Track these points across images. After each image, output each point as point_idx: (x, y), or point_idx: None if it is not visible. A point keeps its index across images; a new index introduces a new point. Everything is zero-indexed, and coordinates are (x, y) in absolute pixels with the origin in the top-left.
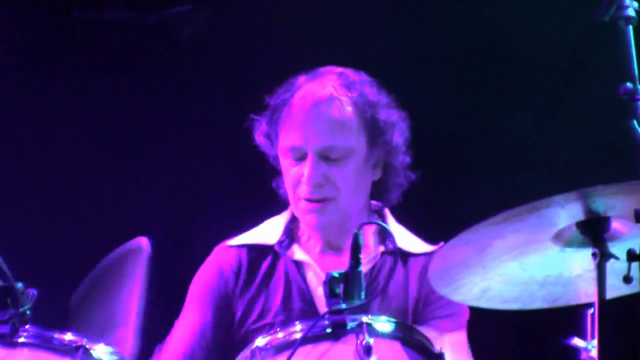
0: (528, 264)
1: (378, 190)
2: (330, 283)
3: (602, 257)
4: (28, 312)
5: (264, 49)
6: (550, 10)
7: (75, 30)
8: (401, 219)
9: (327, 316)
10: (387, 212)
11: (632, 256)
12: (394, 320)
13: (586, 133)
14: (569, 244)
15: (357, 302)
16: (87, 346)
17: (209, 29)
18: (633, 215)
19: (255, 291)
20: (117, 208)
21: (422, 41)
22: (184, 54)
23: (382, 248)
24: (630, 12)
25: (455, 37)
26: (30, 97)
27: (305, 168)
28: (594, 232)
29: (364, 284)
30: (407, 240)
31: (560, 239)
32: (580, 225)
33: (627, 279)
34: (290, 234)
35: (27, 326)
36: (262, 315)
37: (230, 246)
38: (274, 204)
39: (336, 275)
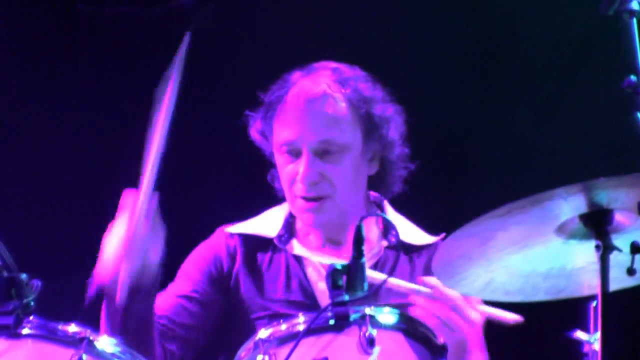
0: (531, 256)
1: (376, 183)
2: (332, 275)
3: (605, 249)
4: (32, 303)
5: (265, 44)
6: (553, 3)
7: (78, 24)
8: (405, 213)
9: (330, 308)
10: (386, 203)
11: (635, 248)
12: (397, 311)
13: (590, 126)
14: (572, 236)
15: (360, 294)
16: (91, 337)
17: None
18: (636, 208)
19: (255, 282)
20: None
21: (426, 36)
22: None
23: (385, 243)
24: (634, 6)
25: (462, 26)
26: (33, 92)
27: (301, 166)
28: (597, 225)
29: (366, 275)
30: (408, 231)
31: (564, 231)
32: (583, 217)
33: (631, 271)
34: (290, 228)
35: (31, 317)
36: (263, 306)
37: (228, 232)
38: (275, 196)
39: (339, 267)
